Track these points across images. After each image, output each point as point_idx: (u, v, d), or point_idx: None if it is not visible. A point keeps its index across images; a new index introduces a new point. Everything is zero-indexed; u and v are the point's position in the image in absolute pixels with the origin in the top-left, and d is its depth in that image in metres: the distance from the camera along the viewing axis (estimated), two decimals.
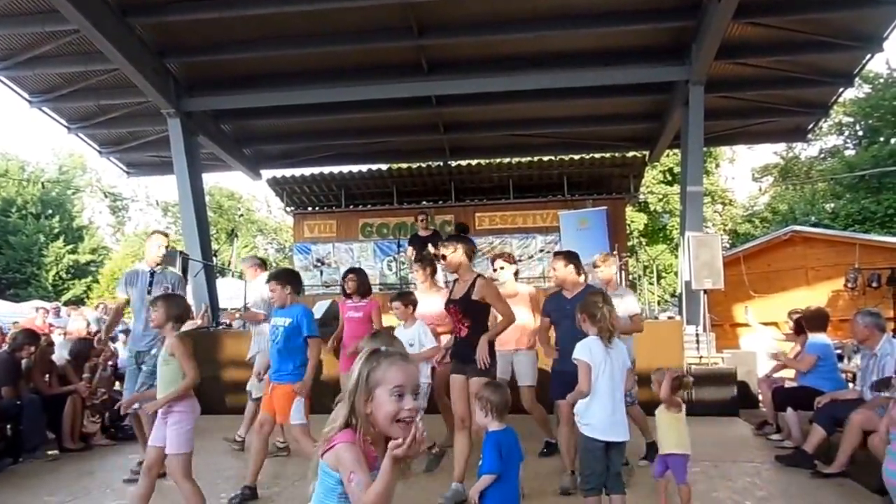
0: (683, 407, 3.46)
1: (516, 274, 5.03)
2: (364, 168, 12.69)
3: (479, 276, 4.00)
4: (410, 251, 8.58)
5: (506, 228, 12.34)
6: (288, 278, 4.15)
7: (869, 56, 8.89)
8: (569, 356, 3.34)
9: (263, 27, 8.34)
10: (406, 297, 4.76)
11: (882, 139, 20.68)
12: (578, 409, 3.09)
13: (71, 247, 26.27)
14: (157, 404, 3.23)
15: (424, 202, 12.98)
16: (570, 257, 4.30)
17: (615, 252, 5.60)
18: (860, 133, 22.74)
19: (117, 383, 6.87)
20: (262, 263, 6.18)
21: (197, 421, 3.29)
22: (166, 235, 5.12)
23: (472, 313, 3.86)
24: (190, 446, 3.20)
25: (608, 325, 3.08)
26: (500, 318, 3.97)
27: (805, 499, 3.75)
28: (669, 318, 8.94)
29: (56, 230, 26.12)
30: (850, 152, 22.89)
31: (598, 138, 11.97)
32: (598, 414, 3.01)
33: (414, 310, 4.68)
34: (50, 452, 5.16)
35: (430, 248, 8.21)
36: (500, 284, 4.73)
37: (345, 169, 12.59)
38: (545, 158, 12.33)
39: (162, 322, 3.32)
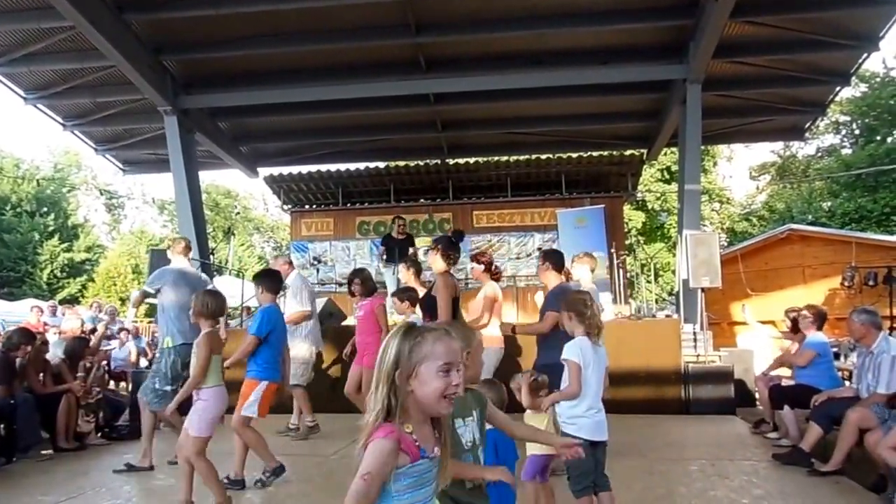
0: (548, 408, 3.40)
1: (496, 275, 5.01)
2: (361, 166, 12.66)
3: (441, 272, 4.25)
4: (382, 250, 9.08)
5: (503, 226, 12.33)
6: (260, 279, 4.32)
7: (865, 55, 8.90)
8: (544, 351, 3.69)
9: (260, 24, 8.30)
10: (402, 293, 4.84)
11: (878, 138, 20.72)
12: (562, 410, 3.07)
13: (66, 245, 26.16)
14: (172, 405, 3.79)
15: (422, 200, 12.97)
16: (547, 256, 4.51)
17: (588, 252, 5.60)
18: (857, 132, 22.80)
19: (112, 382, 6.84)
20: (291, 263, 6.48)
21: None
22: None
23: (430, 308, 4.19)
24: (209, 432, 3.46)
25: (596, 323, 3.09)
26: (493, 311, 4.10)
27: (802, 497, 3.74)
28: (667, 316, 8.96)
29: (51, 228, 26.01)
30: (846, 151, 22.96)
31: (595, 136, 11.97)
32: (587, 414, 3.02)
33: (412, 305, 4.73)
34: (44, 452, 5.14)
35: (411, 249, 8.74)
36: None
37: (342, 167, 12.57)
38: (543, 156, 12.33)
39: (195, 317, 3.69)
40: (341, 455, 4.98)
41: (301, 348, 5.66)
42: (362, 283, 5.59)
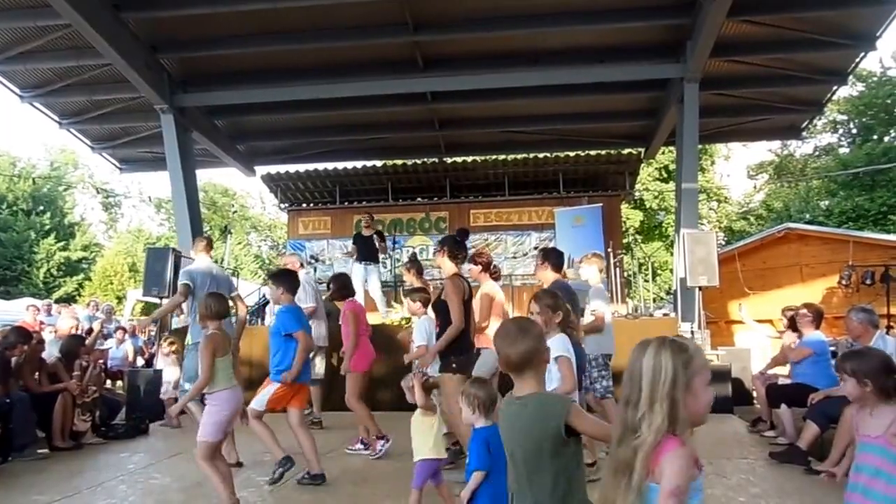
0: (438, 410, 3.41)
1: (495, 275, 5.01)
2: (359, 164, 12.64)
3: (451, 276, 4.21)
4: (352, 248, 9.14)
5: (501, 225, 12.34)
6: (279, 279, 4.29)
7: (862, 54, 8.92)
8: None
9: (257, 22, 8.28)
10: (413, 294, 4.94)
11: (875, 137, 20.79)
12: None
13: (62, 244, 26.05)
14: (177, 407, 4.01)
15: (419, 199, 12.97)
16: (547, 255, 4.55)
17: (597, 252, 5.66)
18: (854, 131, 22.86)
19: (108, 381, 6.83)
20: (302, 264, 6.65)
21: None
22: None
23: (441, 312, 4.16)
24: (216, 436, 3.41)
25: (572, 321, 3.19)
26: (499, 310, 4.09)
27: (798, 495, 3.75)
28: (665, 315, 8.96)
29: (47, 227, 25.90)
30: (844, 150, 23.01)
31: (593, 135, 11.97)
32: None
33: (424, 306, 4.75)
34: (40, 451, 5.10)
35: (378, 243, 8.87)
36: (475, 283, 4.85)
37: (339, 165, 12.54)
38: (541, 155, 12.33)
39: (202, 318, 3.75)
40: (338, 453, 4.99)
41: None
42: (336, 288, 5.60)
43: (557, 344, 3.05)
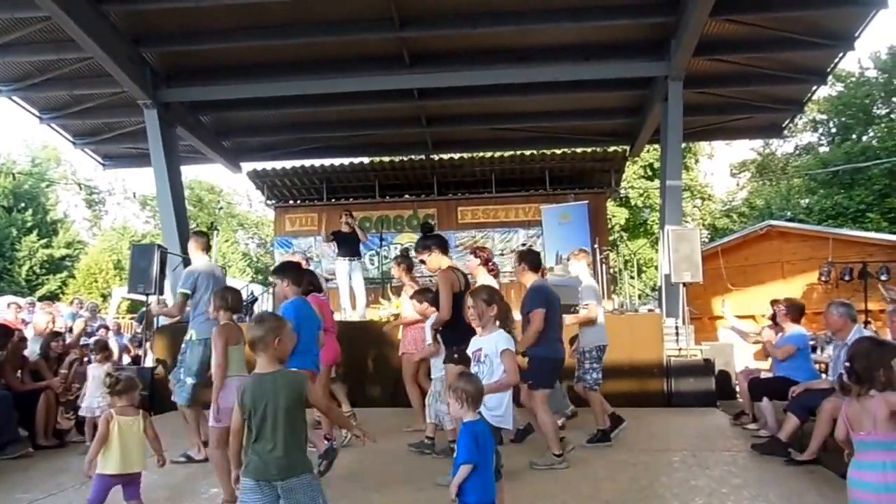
0: (141, 414, 3.26)
1: (493, 272, 5.06)
2: (346, 161, 12.59)
3: (444, 269, 4.33)
4: (332, 244, 9.15)
5: (488, 222, 12.38)
6: (282, 272, 4.23)
7: (841, 54, 9.08)
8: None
9: (243, 17, 8.21)
10: (416, 296, 5.07)
11: (854, 136, 21.17)
12: (489, 402, 3.03)
13: (45, 241, 25.62)
14: (213, 398, 3.74)
15: (407, 195, 12.95)
16: (522, 257, 4.66)
17: (583, 248, 5.79)
18: (833, 130, 23.26)
19: None
20: (307, 260, 6.68)
21: None
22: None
23: (435, 304, 4.39)
24: (226, 422, 3.36)
25: (511, 318, 3.35)
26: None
27: (779, 486, 3.83)
28: (650, 311, 9.07)
29: (29, 224, 25.42)
30: (823, 149, 23.40)
31: (579, 133, 12.04)
32: (506, 402, 3.11)
33: (430, 304, 4.82)
34: (23, 450, 5.03)
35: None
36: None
37: (326, 162, 12.48)
38: (527, 152, 12.38)
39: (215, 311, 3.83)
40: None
41: None
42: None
43: (500, 338, 3.09)
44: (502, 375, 3.16)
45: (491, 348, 3.10)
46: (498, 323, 3.19)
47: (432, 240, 4.51)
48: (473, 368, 3.21)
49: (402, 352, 5.65)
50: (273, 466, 2.30)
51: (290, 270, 4.28)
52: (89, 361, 6.17)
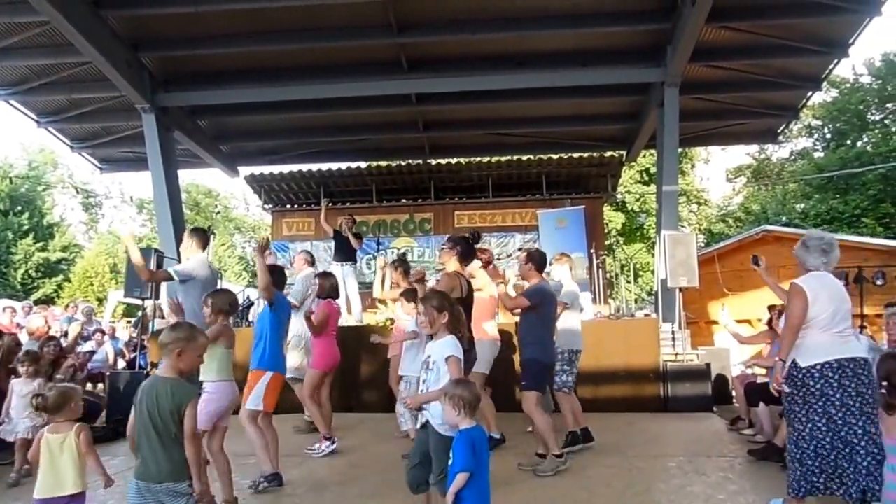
0: (73, 429, 2.98)
1: (500, 276, 5.10)
2: (343, 166, 12.61)
3: (450, 272, 4.28)
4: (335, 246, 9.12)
5: (485, 227, 12.36)
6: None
7: (836, 61, 9.14)
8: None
9: (241, 22, 8.22)
10: (405, 295, 5.05)
11: (849, 142, 21.30)
12: (433, 410, 2.94)
13: (41, 244, 25.52)
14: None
15: (404, 200, 12.97)
16: (531, 256, 4.64)
17: (565, 252, 5.78)
18: (828, 136, 23.39)
19: (89, 384, 6.72)
20: (312, 261, 6.65)
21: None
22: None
23: None
24: (207, 425, 3.48)
25: (462, 323, 3.25)
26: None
27: (775, 492, 3.83)
28: (646, 315, 9.08)
29: (25, 227, 25.33)
30: (818, 154, 23.53)
31: (576, 138, 12.08)
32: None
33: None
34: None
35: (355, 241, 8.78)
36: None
37: (324, 166, 12.50)
38: (524, 157, 12.41)
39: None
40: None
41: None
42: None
43: (448, 345, 3.05)
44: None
45: (438, 355, 3.05)
46: (449, 330, 3.13)
47: (461, 243, 4.43)
48: (422, 376, 3.13)
49: (390, 355, 5.67)
50: (146, 467, 2.55)
51: (273, 274, 4.30)
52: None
